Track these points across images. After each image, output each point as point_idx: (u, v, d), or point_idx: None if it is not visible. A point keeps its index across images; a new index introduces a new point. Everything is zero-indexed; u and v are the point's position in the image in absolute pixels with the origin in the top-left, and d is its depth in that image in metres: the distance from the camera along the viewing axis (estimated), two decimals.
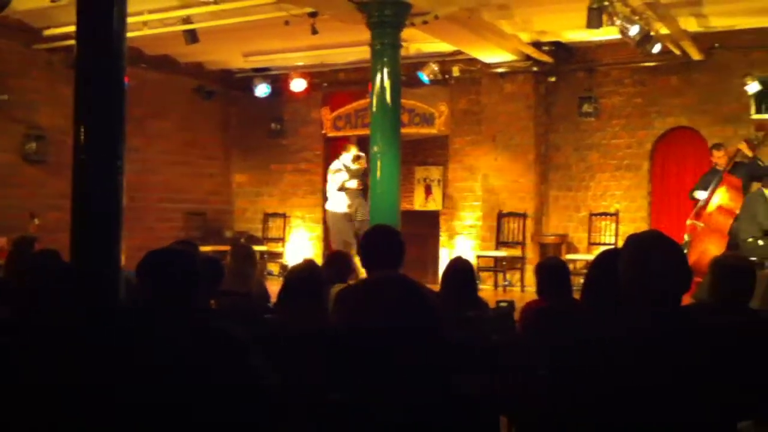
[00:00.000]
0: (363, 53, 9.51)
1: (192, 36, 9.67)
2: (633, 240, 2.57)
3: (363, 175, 10.69)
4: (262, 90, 12.87)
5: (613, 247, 10.17)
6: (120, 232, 5.14)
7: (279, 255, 13.22)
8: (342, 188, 10.91)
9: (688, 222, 9.11)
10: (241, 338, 2.71)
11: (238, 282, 5.53)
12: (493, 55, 10.95)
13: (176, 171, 12.85)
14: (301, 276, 3.79)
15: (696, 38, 10.04)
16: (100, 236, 5.09)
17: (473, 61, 11.41)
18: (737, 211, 8.72)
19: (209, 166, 13.56)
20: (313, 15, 8.98)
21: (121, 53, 5.24)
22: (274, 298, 5.01)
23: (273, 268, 12.97)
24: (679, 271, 2.47)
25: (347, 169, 10.99)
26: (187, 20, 9.53)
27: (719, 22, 9.97)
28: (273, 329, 3.73)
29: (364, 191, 10.60)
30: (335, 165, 11.18)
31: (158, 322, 2.59)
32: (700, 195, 9.08)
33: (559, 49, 11.19)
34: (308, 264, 4.03)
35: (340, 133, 13.15)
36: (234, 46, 11.71)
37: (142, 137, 11.96)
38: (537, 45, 10.91)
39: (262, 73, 13.08)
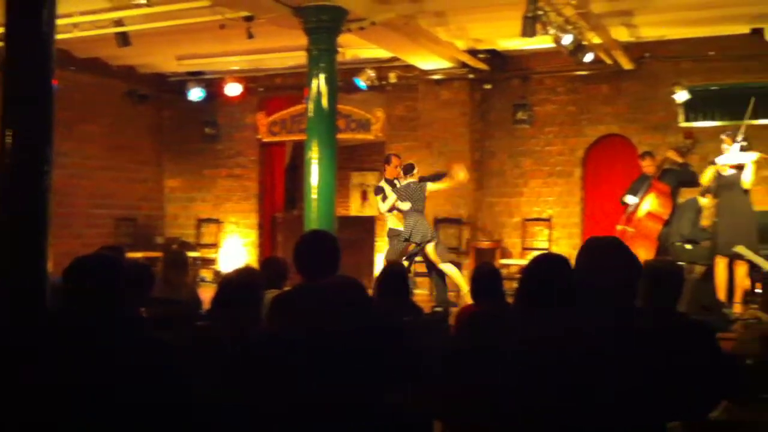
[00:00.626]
0: (300, 58, 9.46)
1: (124, 39, 9.47)
2: (591, 245, 2.63)
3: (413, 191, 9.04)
4: (196, 94, 12.71)
5: (545, 251, 10.35)
6: (47, 238, 4.99)
7: (212, 261, 13.06)
8: (392, 209, 9.22)
9: (619, 227, 9.28)
10: (165, 346, 2.65)
11: (169, 289, 5.43)
12: (429, 61, 11.02)
13: (106, 176, 12.57)
14: (239, 282, 3.74)
15: (627, 48, 10.27)
16: (27, 242, 4.94)
17: (410, 67, 11.46)
18: (666, 217, 8.93)
19: (140, 171, 13.31)
20: (248, 19, 8.89)
21: (50, 55, 5.09)
22: (207, 305, 4.94)
23: (206, 274, 12.80)
24: (632, 277, 2.54)
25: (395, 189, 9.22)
26: (119, 23, 9.33)
27: (649, 32, 10.22)
28: (202, 336, 3.67)
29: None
30: (379, 190, 9.40)
31: (76, 330, 2.51)
32: (631, 200, 9.27)
33: (494, 56, 11.32)
34: (247, 270, 3.97)
35: (276, 138, 13.06)
36: (167, 50, 11.52)
37: (71, 141, 11.67)
38: (473, 52, 11.02)
39: (196, 77, 12.91)
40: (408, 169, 9.26)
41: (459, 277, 9.22)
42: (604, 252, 2.59)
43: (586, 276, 2.52)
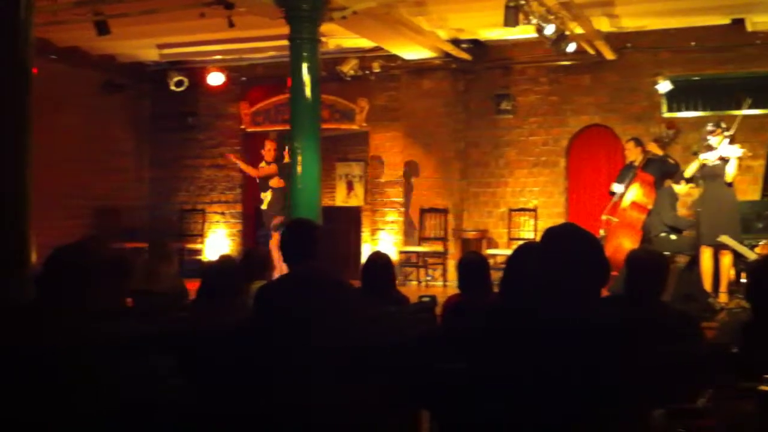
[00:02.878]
0: (282, 47, 9.40)
1: (103, 27, 9.37)
2: (550, 233, 2.58)
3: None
4: (177, 83, 12.60)
5: (529, 240, 10.38)
6: (29, 229, 4.96)
7: (198, 252, 12.98)
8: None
9: (603, 217, 9.32)
10: (134, 338, 2.63)
11: (153, 280, 5.39)
12: (412, 51, 10.99)
13: (86, 167, 12.43)
14: (216, 273, 3.71)
15: (608, 38, 10.28)
16: (8, 233, 4.90)
17: (392, 57, 11.43)
18: (650, 207, 8.96)
19: (121, 161, 13.19)
20: (229, 7, 8.81)
21: (28, 44, 5.04)
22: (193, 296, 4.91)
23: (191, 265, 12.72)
24: (595, 263, 2.49)
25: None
26: (98, 11, 9.23)
27: (630, 22, 10.23)
28: (185, 328, 3.64)
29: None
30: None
31: (47, 321, 2.47)
32: (617, 188, 9.32)
33: (476, 46, 11.30)
34: (223, 260, 3.95)
35: (259, 128, 12.99)
36: (148, 39, 11.41)
37: (49, 131, 11.49)
38: (455, 42, 11.00)
39: (177, 66, 12.81)
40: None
41: None
42: (564, 243, 2.55)
43: (551, 269, 2.49)
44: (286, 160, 10.08)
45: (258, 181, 11.07)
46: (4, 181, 4.94)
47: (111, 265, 2.70)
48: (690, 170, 8.38)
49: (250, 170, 11.25)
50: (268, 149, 10.86)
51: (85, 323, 2.51)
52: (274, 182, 10.72)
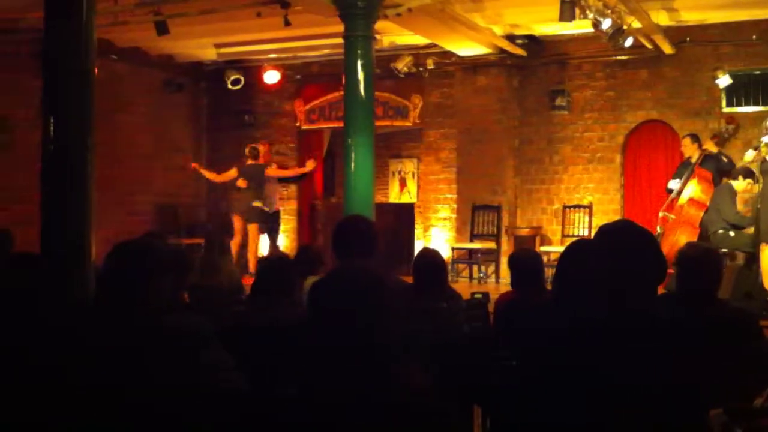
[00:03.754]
0: (336, 45, 9.47)
1: (162, 27, 9.56)
2: (605, 230, 2.55)
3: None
4: (234, 82, 12.77)
5: (582, 237, 10.28)
6: (90, 226, 5.08)
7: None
8: None
9: (660, 214, 9.19)
10: (197, 331, 2.68)
11: (210, 275, 5.50)
12: (466, 47, 10.96)
13: (146, 164, 12.71)
14: (271, 269, 3.77)
15: (667, 32, 10.11)
16: (70, 229, 5.03)
17: (447, 53, 11.41)
18: (708, 204, 8.81)
19: (180, 158, 13.43)
20: (285, 6, 8.91)
21: (90, 45, 5.17)
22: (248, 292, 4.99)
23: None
24: (652, 260, 2.45)
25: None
26: (157, 12, 9.42)
27: (690, 16, 10.05)
28: (240, 322, 3.71)
29: None
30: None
31: (113, 317, 2.53)
32: (674, 185, 9.17)
33: (531, 42, 11.22)
34: (278, 256, 4.01)
35: (314, 126, 13.11)
36: (206, 38, 11.60)
37: (112, 129, 11.82)
38: (510, 38, 10.93)
39: (234, 65, 12.99)
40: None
41: None
42: (619, 240, 2.51)
43: (605, 266, 2.45)
44: (249, 162, 11.33)
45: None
46: (66, 179, 5.07)
47: (172, 261, 2.74)
48: (748, 157, 8.19)
49: (213, 176, 11.96)
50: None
51: (155, 319, 2.57)
52: (240, 183, 11.32)
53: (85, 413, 2.34)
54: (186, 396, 2.50)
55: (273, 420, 1.87)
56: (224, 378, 2.78)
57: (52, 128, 5.06)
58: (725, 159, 9.02)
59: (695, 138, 9.29)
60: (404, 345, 1.89)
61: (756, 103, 10.24)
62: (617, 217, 10.84)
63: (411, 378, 1.86)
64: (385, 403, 1.78)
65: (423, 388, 1.86)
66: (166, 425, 2.44)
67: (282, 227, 13.19)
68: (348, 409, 1.77)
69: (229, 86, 12.77)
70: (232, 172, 11.40)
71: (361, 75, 8.29)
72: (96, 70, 5.30)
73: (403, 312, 1.95)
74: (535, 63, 11.45)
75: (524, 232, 11.45)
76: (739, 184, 8.55)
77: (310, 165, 12.16)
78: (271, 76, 12.56)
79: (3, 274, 2.45)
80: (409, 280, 4.56)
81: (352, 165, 8.40)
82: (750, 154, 8.16)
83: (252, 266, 10.80)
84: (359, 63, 8.29)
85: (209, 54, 12.73)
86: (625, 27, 9.04)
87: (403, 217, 12.70)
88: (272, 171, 11.67)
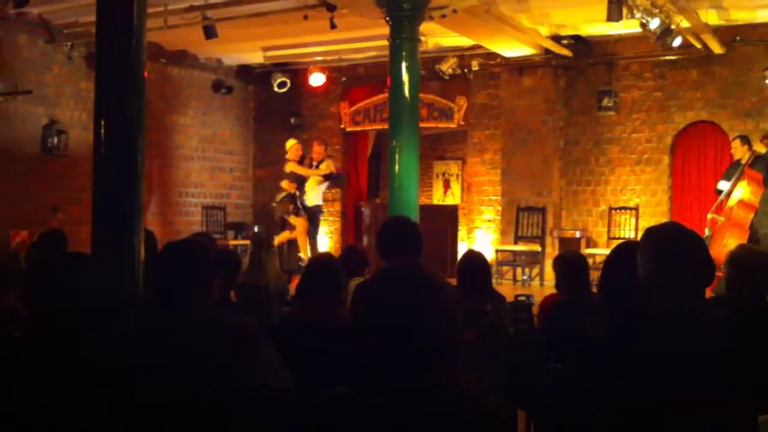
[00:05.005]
0: (382, 48, 9.50)
1: (211, 31, 9.70)
2: (652, 232, 2.52)
3: None
4: (280, 85, 12.89)
5: (628, 239, 10.15)
6: (140, 226, 5.19)
7: (297, 249, 13.21)
8: None
9: (709, 216, 9.05)
10: (251, 329, 2.72)
11: (256, 275, 5.56)
12: (512, 48, 10.91)
13: (195, 165, 12.92)
14: (317, 269, 3.80)
15: (717, 31, 9.96)
16: (121, 229, 5.14)
17: (492, 55, 11.38)
18: (758, 206, 8.65)
19: (228, 160, 13.61)
20: (331, 9, 8.98)
21: (141, 48, 5.27)
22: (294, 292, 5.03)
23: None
24: (700, 263, 2.42)
25: None
26: (206, 16, 9.56)
27: (739, 15, 9.90)
28: (286, 322, 3.75)
29: None
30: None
31: (167, 315, 2.58)
32: (723, 186, 9.03)
33: (578, 42, 11.13)
34: (325, 257, 4.03)
35: (359, 128, 13.17)
36: (253, 41, 11.74)
37: (162, 132, 12.04)
38: (556, 38, 10.87)
39: (280, 68, 13.11)
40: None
41: None
42: (666, 242, 2.47)
43: (652, 269, 2.42)
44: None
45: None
46: (117, 181, 5.18)
47: (220, 260, 2.79)
48: None
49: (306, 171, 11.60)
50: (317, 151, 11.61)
51: (212, 317, 2.62)
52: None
53: (143, 410, 2.38)
54: (240, 393, 2.54)
55: (321, 420, 1.88)
56: (274, 377, 2.82)
57: (103, 131, 5.18)
58: None
59: (745, 140, 9.13)
60: (459, 348, 1.87)
61: None
62: (665, 219, 10.70)
63: (465, 382, 1.85)
64: (439, 407, 1.78)
65: (477, 393, 1.85)
66: (218, 422, 2.48)
67: (326, 228, 13.26)
68: (400, 412, 1.77)
69: (276, 89, 12.90)
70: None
71: (406, 77, 8.30)
72: (146, 74, 5.41)
73: (458, 314, 1.93)
74: (581, 63, 11.36)
75: (569, 233, 11.36)
76: None
77: (324, 167, 11.49)
78: (317, 79, 12.65)
79: (56, 272, 2.50)
80: (453, 282, 4.57)
81: (397, 166, 8.41)
82: None
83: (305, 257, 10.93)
84: (404, 65, 8.30)
85: (257, 57, 12.88)
86: (673, 26, 8.93)
87: (447, 219, 12.69)
88: (290, 167, 11.43)
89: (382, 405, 1.78)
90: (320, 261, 4.00)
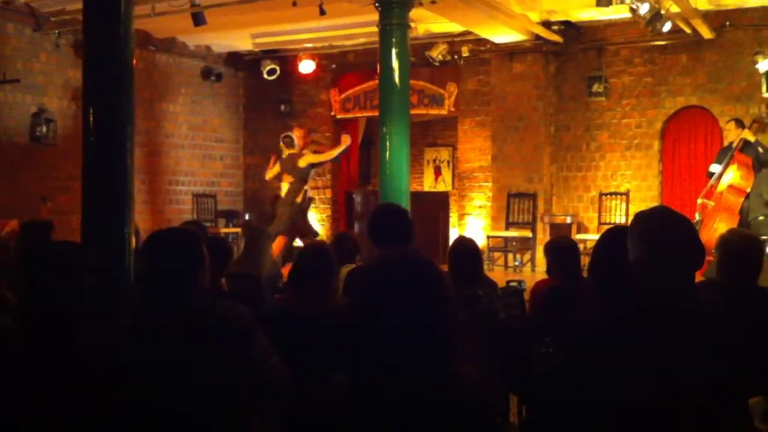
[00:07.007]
0: (371, 34, 9.47)
1: (199, 18, 9.63)
2: (642, 217, 2.52)
3: None
4: (270, 72, 12.84)
5: (618, 224, 10.18)
6: (131, 215, 5.17)
7: None
8: None
9: (699, 201, 9.08)
10: (246, 319, 2.70)
11: (249, 263, 5.55)
12: (502, 34, 10.89)
13: (185, 153, 12.86)
14: (309, 257, 3.80)
15: (706, 16, 9.96)
16: (111, 218, 5.12)
17: (482, 41, 11.36)
18: (748, 190, 8.69)
19: (218, 148, 13.56)
20: None
21: (129, 36, 5.24)
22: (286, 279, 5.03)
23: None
24: (690, 247, 2.43)
25: None
26: (194, 2, 9.49)
27: (729, 0, 9.88)
28: (278, 311, 3.74)
29: None
30: None
31: (160, 309, 2.57)
32: (715, 168, 9.06)
33: (568, 28, 11.12)
34: (318, 245, 4.03)
35: (349, 115, 13.14)
36: (242, 29, 11.68)
37: (151, 120, 11.99)
38: (546, 24, 10.85)
39: (270, 54, 13.06)
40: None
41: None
42: (656, 226, 2.47)
43: (642, 253, 2.42)
44: (286, 152, 10.52)
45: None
46: (106, 169, 5.16)
47: (211, 248, 2.76)
48: None
49: (268, 177, 10.98)
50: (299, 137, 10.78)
51: (206, 306, 2.60)
52: (285, 178, 10.56)
53: (144, 401, 2.38)
54: (237, 382, 2.53)
55: (320, 408, 1.87)
56: (269, 365, 2.81)
57: (92, 119, 5.15)
58: (761, 149, 8.88)
59: (740, 123, 9.15)
60: (456, 334, 1.85)
61: None
62: (655, 205, 10.72)
63: (463, 370, 1.84)
64: (441, 396, 1.77)
65: (474, 381, 1.84)
66: (216, 411, 2.47)
67: (318, 216, 13.26)
68: (404, 402, 1.75)
69: (266, 76, 12.85)
70: (276, 169, 10.52)
71: (396, 63, 8.29)
72: (135, 61, 5.38)
73: (454, 299, 1.91)
74: (572, 49, 11.35)
75: (560, 219, 11.38)
76: None
77: (345, 140, 10.58)
78: (307, 66, 12.61)
79: (42, 262, 2.48)
80: (444, 268, 4.57)
81: (388, 153, 8.41)
82: None
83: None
84: (394, 51, 8.29)
85: (246, 44, 12.81)
86: (663, 11, 8.92)
87: (438, 205, 12.70)
88: (307, 159, 10.46)
89: (386, 395, 1.76)
90: (313, 248, 3.99)
